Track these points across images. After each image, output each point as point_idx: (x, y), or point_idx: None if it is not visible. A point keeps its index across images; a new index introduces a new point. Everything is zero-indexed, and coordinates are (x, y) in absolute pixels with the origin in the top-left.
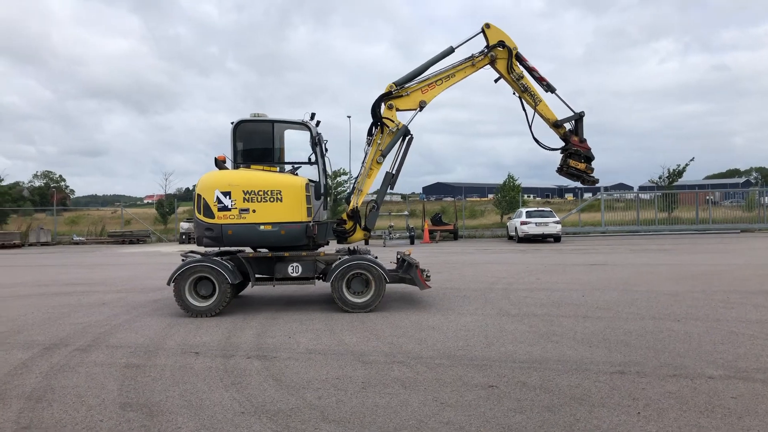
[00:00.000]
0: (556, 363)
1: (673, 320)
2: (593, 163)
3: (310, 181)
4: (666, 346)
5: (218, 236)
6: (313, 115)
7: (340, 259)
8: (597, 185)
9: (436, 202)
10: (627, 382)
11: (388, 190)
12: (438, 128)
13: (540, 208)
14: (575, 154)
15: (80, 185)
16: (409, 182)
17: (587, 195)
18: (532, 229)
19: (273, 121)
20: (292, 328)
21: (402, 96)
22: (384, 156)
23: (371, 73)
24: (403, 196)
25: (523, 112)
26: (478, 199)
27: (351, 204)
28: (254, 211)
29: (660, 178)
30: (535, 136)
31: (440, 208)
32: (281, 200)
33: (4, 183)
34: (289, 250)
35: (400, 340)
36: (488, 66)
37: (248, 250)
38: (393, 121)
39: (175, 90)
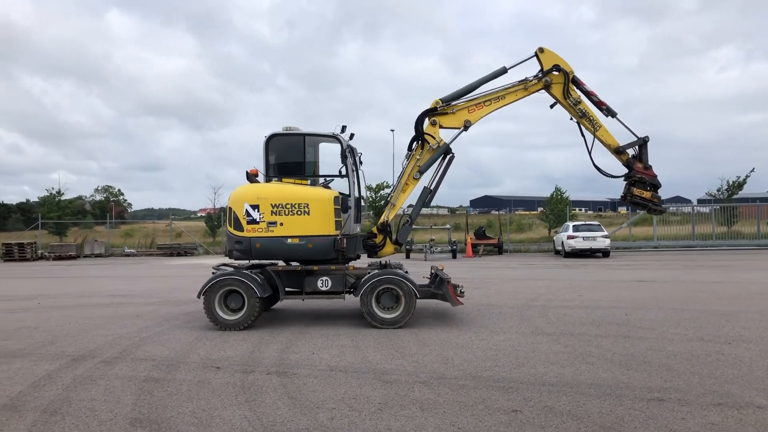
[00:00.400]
0: (588, 387)
1: (723, 343)
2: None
3: (341, 194)
4: (712, 371)
5: (247, 249)
6: (344, 128)
7: (369, 273)
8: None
9: (482, 216)
10: (665, 411)
11: (427, 204)
12: (486, 140)
13: (588, 222)
14: (639, 181)
15: (138, 199)
16: (457, 195)
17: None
18: (579, 244)
19: (304, 135)
20: (318, 344)
21: (447, 113)
22: (421, 173)
23: (418, 87)
24: (450, 209)
25: (581, 137)
26: (525, 212)
27: (382, 217)
28: (282, 224)
29: (718, 190)
30: (596, 163)
31: (486, 221)
32: (309, 213)
33: (65, 197)
34: (317, 264)
35: (426, 359)
36: (542, 90)
37: (281, 263)
38: (435, 138)
39: (227, 107)
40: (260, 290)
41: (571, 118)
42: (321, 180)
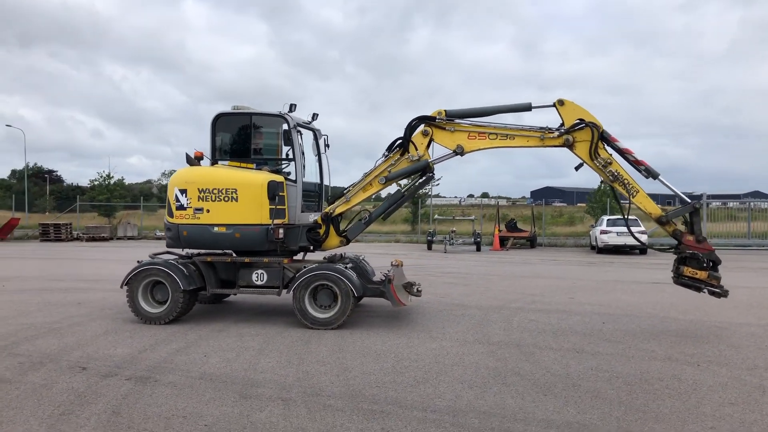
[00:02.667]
0: (479, 414)
1: (691, 364)
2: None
3: (288, 179)
4: (647, 402)
5: (175, 237)
6: (292, 107)
7: (306, 267)
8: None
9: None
10: None
11: (395, 209)
12: None
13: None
14: (692, 258)
15: None
16: (519, 185)
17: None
18: (612, 239)
19: (251, 114)
20: (221, 345)
21: (445, 129)
22: (389, 180)
23: (486, 73)
24: (510, 200)
25: (616, 203)
26: (562, 205)
27: (328, 207)
28: (208, 211)
29: None
30: (635, 234)
31: (537, 213)
32: (236, 200)
33: (114, 179)
34: (252, 255)
35: (321, 369)
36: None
37: (232, 254)
38: (417, 150)
39: (296, 94)
40: (185, 282)
41: (602, 182)
42: (283, 164)
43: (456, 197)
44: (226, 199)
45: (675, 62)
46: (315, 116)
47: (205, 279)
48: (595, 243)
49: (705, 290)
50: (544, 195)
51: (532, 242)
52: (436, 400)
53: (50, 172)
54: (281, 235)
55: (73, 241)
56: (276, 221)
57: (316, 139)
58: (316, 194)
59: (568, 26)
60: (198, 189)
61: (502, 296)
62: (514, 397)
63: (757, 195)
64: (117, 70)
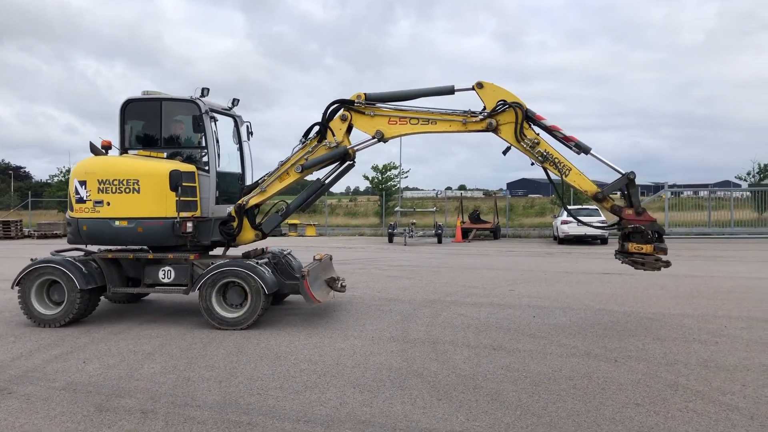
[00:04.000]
0: (356, 424)
1: (608, 360)
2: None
3: (200, 169)
4: (553, 403)
5: (75, 232)
6: (204, 91)
7: (214, 263)
8: (661, 189)
9: (517, 199)
10: None
11: (315, 199)
12: None
13: (585, 207)
14: (635, 232)
15: None
16: (496, 178)
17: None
18: (572, 230)
19: (161, 100)
20: (112, 349)
21: (364, 113)
22: (306, 168)
23: (467, 65)
24: (486, 192)
25: (549, 182)
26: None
27: (242, 199)
28: (108, 203)
29: (749, 174)
30: (576, 216)
31: (509, 205)
32: (138, 191)
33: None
34: (157, 251)
35: (206, 374)
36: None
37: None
38: (334, 136)
39: (275, 87)
40: (82, 281)
41: (533, 163)
42: (201, 153)
43: (433, 190)
44: (128, 190)
45: (653, 54)
46: (235, 102)
47: (106, 277)
48: (557, 234)
49: (645, 267)
50: (522, 186)
51: (495, 233)
52: (317, 408)
53: (18, 168)
54: (189, 229)
55: (23, 238)
56: (183, 214)
57: (236, 126)
58: (237, 185)
59: (548, 18)
60: (98, 180)
61: (441, 289)
62: (404, 403)
63: (726, 184)
64: (91, 64)
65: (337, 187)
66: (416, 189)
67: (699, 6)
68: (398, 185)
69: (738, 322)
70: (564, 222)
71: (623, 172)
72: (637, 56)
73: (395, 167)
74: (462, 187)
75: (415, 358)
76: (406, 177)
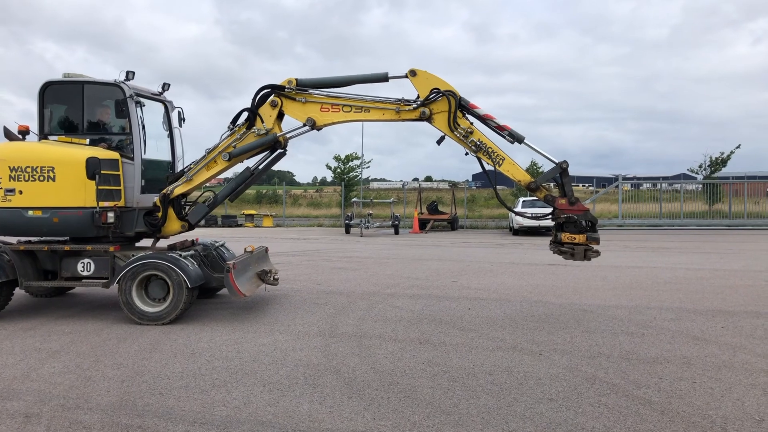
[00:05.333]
0: (254, 425)
1: (533, 353)
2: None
3: (124, 156)
4: (466, 399)
5: None
6: (129, 74)
7: (135, 255)
8: (615, 181)
9: (483, 189)
10: None
11: (245, 188)
12: (501, 114)
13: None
14: (569, 222)
15: None
16: (463, 169)
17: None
18: (527, 221)
19: (83, 83)
20: (15, 347)
21: (295, 100)
22: (233, 157)
23: (438, 56)
24: (452, 183)
25: (484, 173)
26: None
27: (167, 189)
28: (21, 192)
29: (701, 167)
30: (507, 205)
31: (470, 195)
32: (53, 179)
33: None
34: (81, 242)
35: (110, 373)
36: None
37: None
38: (264, 123)
39: (243, 75)
40: None
41: (467, 153)
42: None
43: (400, 181)
44: (42, 178)
45: (618, 48)
46: (166, 86)
47: (18, 271)
48: (512, 225)
49: (576, 258)
50: (485, 178)
51: (452, 225)
52: (218, 409)
53: None
54: (111, 220)
55: None
56: (104, 204)
57: (167, 112)
58: (166, 174)
59: (518, 10)
60: (9, 167)
61: (383, 281)
62: (312, 402)
63: (684, 177)
64: (50, 47)
65: (304, 177)
66: (383, 180)
67: (665, 1)
68: (360, 175)
69: (668, 314)
70: (519, 213)
71: (556, 162)
72: (603, 50)
73: (358, 157)
74: (428, 178)
75: (337, 354)
76: (368, 167)
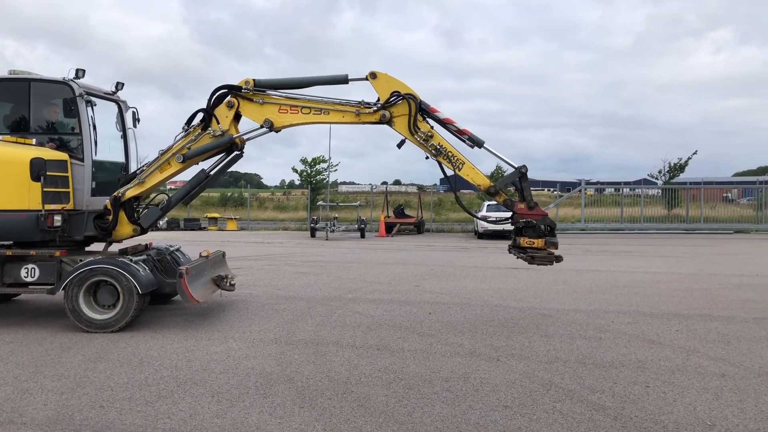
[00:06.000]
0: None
1: (491, 359)
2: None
3: (74, 157)
4: (420, 408)
5: None
6: (79, 72)
7: (83, 260)
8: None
9: (450, 194)
10: None
11: (200, 191)
12: (471, 119)
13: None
14: (528, 227)
15: None
16: (429, 172)
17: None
18: (491, 225)
19: (30, 80)
20: None
21: (252, 101)
22: (188, 158)
23: (408, 60)
24: (420, 187)
25: (444, 176)
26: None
27: (118, 191)
28: None
29: (660, 172)
30: (468, 209)
31: (437, 199)
32: None
33: None
34: (26, 247)
35: (49, 385)
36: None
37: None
38: (219, 124)
39: (211, 75)
40: None
41: (427, 157)
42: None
43: (369, 184)
44: None
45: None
46: (120, 85)
47: None
48: (477, 228)
49: (535, 262)
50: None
51: (419, 228)
52: (162, 421)
53: None
54: (57, 223)
55: None
56: (50, 206)
57: (121, 112)
58: (119, 176)
59: (488, 15)
60: None
61: (345, 286)
62: (262, 413)
63: (646, 182)
64: (9, 44)
65: (272, 180)
66: (353, 183)
67: (631, 9)
68: (327, 179)
69: (625, 317)
70: (483, 218)
71: (516, 166)
72: (570, 56)
73: (325, 160)
74: (397, 182)
75: (291, 362)
76: (336, 170)
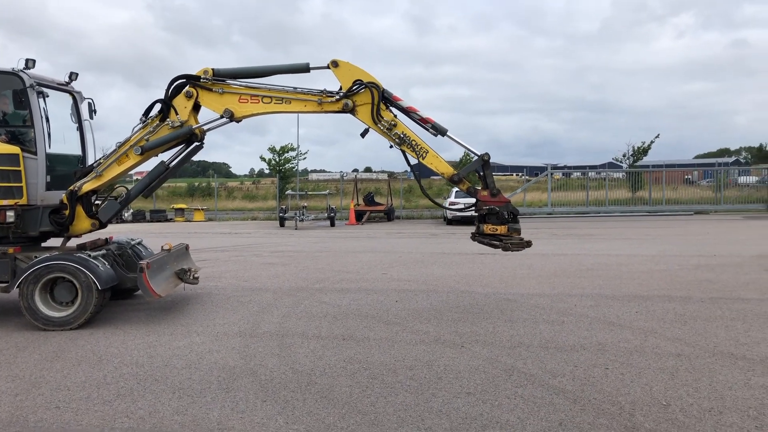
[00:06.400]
0: None
1: (455, 346)
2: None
3: (26, 151)
4: (384, 397)
5: None
6: (29, 62)
7: (38, 257)
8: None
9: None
10: None
11: (159, 184)
12: (440, 105)
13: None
14: (491, 214)
15: None
16: (400, 159)
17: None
18: (460, 210)
19: None
20: None
21: (212, 91)
22: (146, 150)
23: (377, 47)
24: (390, 174)
25: (408, 166)
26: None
27: (74, 185)
28: None
29: (624, 156)
30: (432, 198)
31: (407, 186)
32: None
33: None
34: None
35: (3, 387)
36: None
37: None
38: (178, 114)
39: (177, 63)
40: None
41: (391, 146)
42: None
43: (339, 172)
44: None
45: (553, 41)
46: (74, 76)
47: None
48: (446, 215)
49: (501, 246)
50: (424, 170)
51: (389, 215)
52: (120, 420)
53: None
54: (10, 219)
55: None
56: (2, 202)
57: (76, 103)
58: (77, 169)
59: (457, 1)
60: None
61: (313, 276)
62: (224, 408)
63: (611, 166)
64: None
65: (240, 169)
66: (323, 171)
67: None
68: (296, 167)
69: (587, 300)
70: (452, 204)
71: (478, 154)
72: (538, 42)
73: (294, 148)
74: (368, 169)
75: (256, 355)
76: (305, 158)
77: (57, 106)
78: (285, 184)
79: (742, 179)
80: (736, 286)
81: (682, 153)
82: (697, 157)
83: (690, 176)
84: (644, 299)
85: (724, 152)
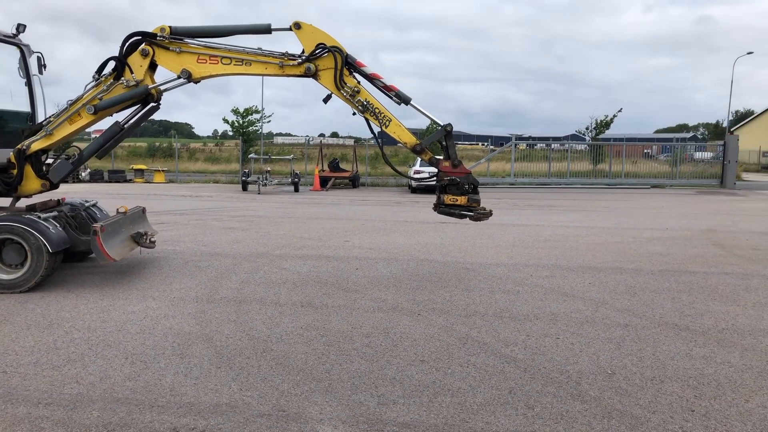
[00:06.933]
0: (111, 403)
1: (412, 314)
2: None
3: None
4: (338, 365)
5: None
6: None
7: None
8: (507, 144)
9: (388, 146)
10: None
11: (114, 144)
12: (409, 71)
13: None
14: (452, 184)
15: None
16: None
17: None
18: (423, 179)
19: None
20: None
21: (169, 49)
22: (100, 110)
23: (346, 9)
24: (357, 139)
25: (372, 134)
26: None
27: (22, 143)
28: None
29: (587, 128)
30: (394, 167)
31: (373, 153)
32: None
33: None
34: None
35: None
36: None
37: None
38: (133, 73)
39: (138, 17)
40: None
41: (354, 113)
42: None
43: (306, 136)
44: None
45: (522, 10)
46: (21, 28)
47: None
48: (410, 183)
49: (467, 216)
50: (391, 137)
51: (354, 182)
52: (69, 387)
53: None
54: None
55: None
56: None
57: (24, 57)
58: (25, 126)
59: None
60: None
61: (273, 242)
62: (177, 374)
63: (575, 138)
64: None
65: (204, 130)
66: (289, 135)
67: None
68: (260, 130)
69: (543, 271)
70: (416, 172)
71: (441, 124)
72: (508, 11)
73: (258, 111)
74: (335, 134)
75: (212, 321)
76: (269, 122)
77: (3, 59)
78: (248, 147)
79: (698, 155)
80: (684, 260)
81: (644, 127)
82: (658, 131)
83: (649, 150)
84: (598, 271)
85: (683, 128)
